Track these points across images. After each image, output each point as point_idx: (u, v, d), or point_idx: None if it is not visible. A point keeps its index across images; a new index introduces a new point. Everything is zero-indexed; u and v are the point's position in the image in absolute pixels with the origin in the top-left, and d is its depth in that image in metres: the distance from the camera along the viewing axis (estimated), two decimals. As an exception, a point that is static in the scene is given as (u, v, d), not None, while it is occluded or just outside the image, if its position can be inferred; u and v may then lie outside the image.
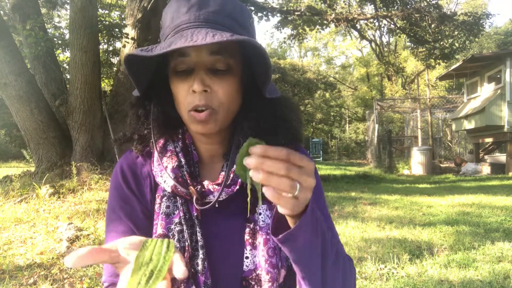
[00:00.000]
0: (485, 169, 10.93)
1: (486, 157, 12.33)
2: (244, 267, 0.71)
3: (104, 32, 7.27)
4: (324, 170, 12.71)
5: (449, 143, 17.37)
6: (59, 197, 5.20)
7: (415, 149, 12.25)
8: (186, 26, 0.65)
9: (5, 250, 3.39)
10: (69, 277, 2.82)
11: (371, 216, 5.08)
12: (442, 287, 2.70)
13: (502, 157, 11.15)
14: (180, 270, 0.48)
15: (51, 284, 2.69)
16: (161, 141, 0.76)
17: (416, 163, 12.11)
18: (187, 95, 0.68)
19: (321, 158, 20.13)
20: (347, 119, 27.60)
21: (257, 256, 0.70)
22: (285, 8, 11.03)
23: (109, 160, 6.81)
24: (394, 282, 2.79)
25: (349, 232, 4.16)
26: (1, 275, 2.85)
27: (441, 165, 12.84)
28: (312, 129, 25.49)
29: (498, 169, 10.64)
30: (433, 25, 10.34)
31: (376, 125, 13.92)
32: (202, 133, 0.71)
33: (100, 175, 6.03)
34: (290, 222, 0.58)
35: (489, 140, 11.65)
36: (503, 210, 5.15)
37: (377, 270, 3.03)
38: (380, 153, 13.49)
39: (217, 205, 0.72)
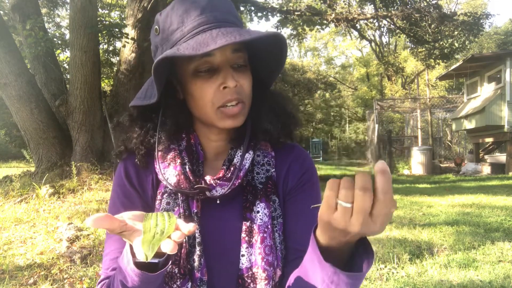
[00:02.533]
0: (485, 169, 10.92)
1: (486, 157, 12.32)
2: (240, 264, 0.72)
3: (104, 32, 7.25)
4: (324, 170, 12.71)
5: (449, 143, 17.36)
6: (59, 197, 5.20)
7: (415, 149, 12.25)
8: (208, 26, 0.67)
9: (5, 250, 3.38)
10: (69, 277, 2.82)
11: (371, 216, 5.07)
12: (442, 287, 2.70)
13: (502, 157, 11.14)
14: (188, 226, 0.53)
15: (51, 284, 2.69)
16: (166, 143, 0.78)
17: (416, 163, 12.10)
18: (215, 92, 0.70)
19: (321, 158, 20.13)
20: (347, 119, 27.62)
21: (254, 254, 0.71)
22: (285, 8, 11.02)
23: (109, 160, 6.81)
24: (394, 282, 2.79)
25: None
26: (1, 275, 2.85)
27: (441, 165, 12.83)
28: (312, 129, 25.51)
29: (498, 169, 10.63)
30: (433, 25, 10.34)
31: (376, 125, 13.92)
32: (231, 127, 0.73)
33: (100, 175, 6.04)
34: (335, 254, 0.53)
35: (489, 140, 11.64)
36: (503, 210, 5.14)
37: (377, 270, 3.03)
38: (380, 153, 13.49)
39: (218, 201, 0.74)
